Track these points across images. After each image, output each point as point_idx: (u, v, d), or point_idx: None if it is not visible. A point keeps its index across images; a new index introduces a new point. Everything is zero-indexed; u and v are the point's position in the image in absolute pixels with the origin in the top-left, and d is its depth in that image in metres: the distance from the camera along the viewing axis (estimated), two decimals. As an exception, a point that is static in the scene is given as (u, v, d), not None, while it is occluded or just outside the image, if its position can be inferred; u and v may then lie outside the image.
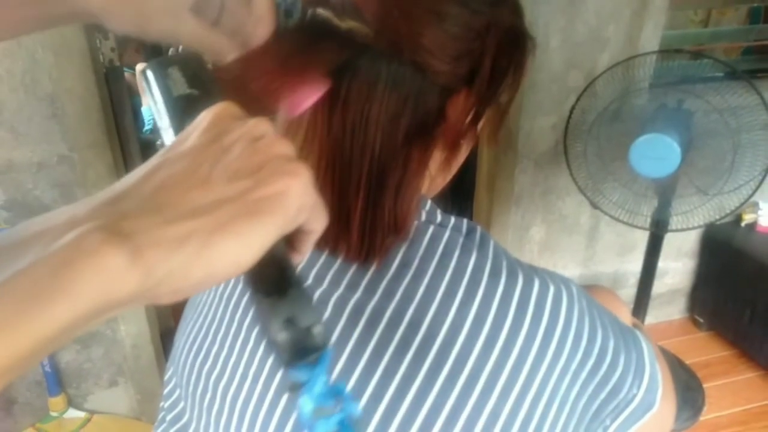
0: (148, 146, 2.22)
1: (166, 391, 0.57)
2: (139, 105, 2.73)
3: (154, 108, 0.34)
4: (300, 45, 0.42)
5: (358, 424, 0.28)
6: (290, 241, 0.31)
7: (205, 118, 0.29)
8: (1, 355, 0.19)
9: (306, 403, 0.27)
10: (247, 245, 0.25)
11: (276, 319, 0.26)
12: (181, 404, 0.54)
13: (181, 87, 0.33)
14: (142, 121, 2.68)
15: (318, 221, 0.30)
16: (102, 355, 1.72)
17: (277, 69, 0.41)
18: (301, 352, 0.27)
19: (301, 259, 0.32)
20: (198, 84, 0.34)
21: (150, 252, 0.23)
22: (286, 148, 0.29)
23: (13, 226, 0.24)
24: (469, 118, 0.47)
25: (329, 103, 0.43)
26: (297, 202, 0.27)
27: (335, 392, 0.28)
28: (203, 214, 0.25)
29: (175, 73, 0.34)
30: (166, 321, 1.97)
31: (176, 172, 0.26)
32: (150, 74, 0.34)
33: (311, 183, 0.29)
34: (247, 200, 0.26)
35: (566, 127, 1.71)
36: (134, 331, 1.72)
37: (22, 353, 0.20)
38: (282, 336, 0.26)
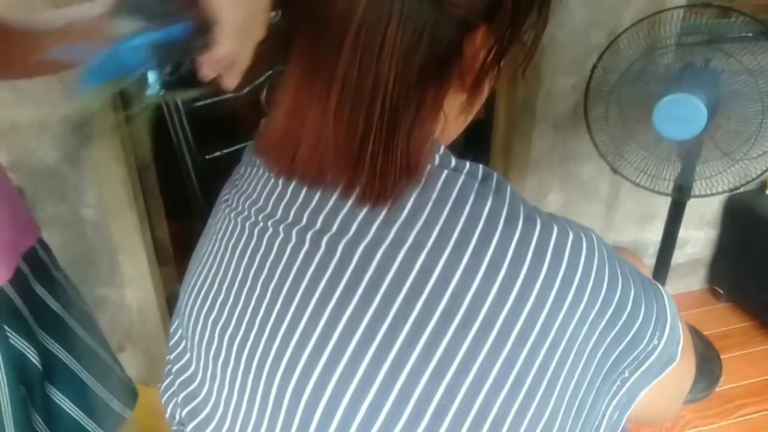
0: (154, 108, 2.17)
1: (171, 342, 0.57)
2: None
3: None
4: None
5: None
6: None
7: None
8: None
9: None
10: None
11: None
12: (187, 355, 0.54)
13: None
14: (147, 83, 2.63)
15: None
16: (109, 320, 1.70)
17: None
18: None
19: None
20: None
21: None
22: None
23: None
24: (489, 57, 0.45)
25: (340, 37, 0.41)
26: None
27: None
28: None
29: None
30: (172, 286, 1.96)
31: None
32: None
33: None
34: None
35: (587, 88, 1.64)
36: (140, 295, 1.71)
37: None
38: None
